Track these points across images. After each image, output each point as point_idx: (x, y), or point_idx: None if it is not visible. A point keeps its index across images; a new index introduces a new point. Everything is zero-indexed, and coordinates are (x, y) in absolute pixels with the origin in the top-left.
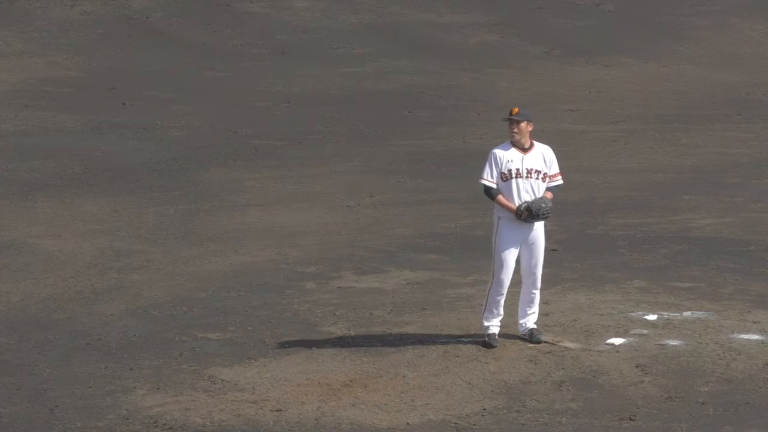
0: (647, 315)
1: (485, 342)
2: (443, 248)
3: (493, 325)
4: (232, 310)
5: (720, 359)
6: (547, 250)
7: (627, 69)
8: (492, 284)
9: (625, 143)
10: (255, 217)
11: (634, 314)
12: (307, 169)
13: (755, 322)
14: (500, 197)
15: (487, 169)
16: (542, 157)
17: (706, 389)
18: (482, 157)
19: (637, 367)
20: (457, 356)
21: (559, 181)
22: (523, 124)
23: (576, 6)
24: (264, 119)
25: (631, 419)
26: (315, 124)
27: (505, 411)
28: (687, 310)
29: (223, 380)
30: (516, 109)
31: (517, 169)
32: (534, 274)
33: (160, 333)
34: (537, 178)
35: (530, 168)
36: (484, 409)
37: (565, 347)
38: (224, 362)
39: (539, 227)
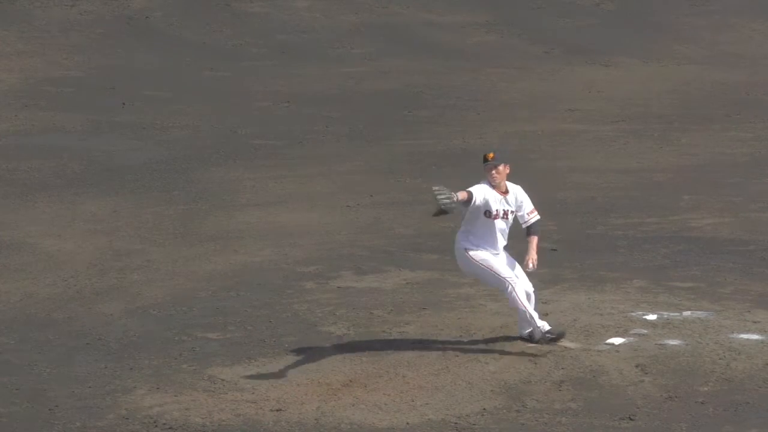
0: (647, 315)
1: (554, 339)
2: (443, 248)
3: (544, 324)
4: (232, 310)
5: (720, 359)
6: (547, 250)
7: (627, 69)
8: (507, 288)
9: (625, 143)
10: (255, 217)
11: (633, 314)
12: (307, 169)
13: (755, 322)
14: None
15: (471, 190)
16: (514, 198)
17: (706, 389)
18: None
19: (636, 366)
20: (457, 356)
21: (537, 216)
22: (501, 167)
23: (576, 6)
24: (264, 119)
25: (631, 419)
26: (315, 124)
27: (505, 411)
28: (687, 310)
29: (222, 380)
30: (491, 155)
31: (497, 210)
32: (520, 274)
33: (160, 333)
34: (508, 218)
35: (506, 210)
36: (484, 408)
37: (565, 347)
38: (224, 362)
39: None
